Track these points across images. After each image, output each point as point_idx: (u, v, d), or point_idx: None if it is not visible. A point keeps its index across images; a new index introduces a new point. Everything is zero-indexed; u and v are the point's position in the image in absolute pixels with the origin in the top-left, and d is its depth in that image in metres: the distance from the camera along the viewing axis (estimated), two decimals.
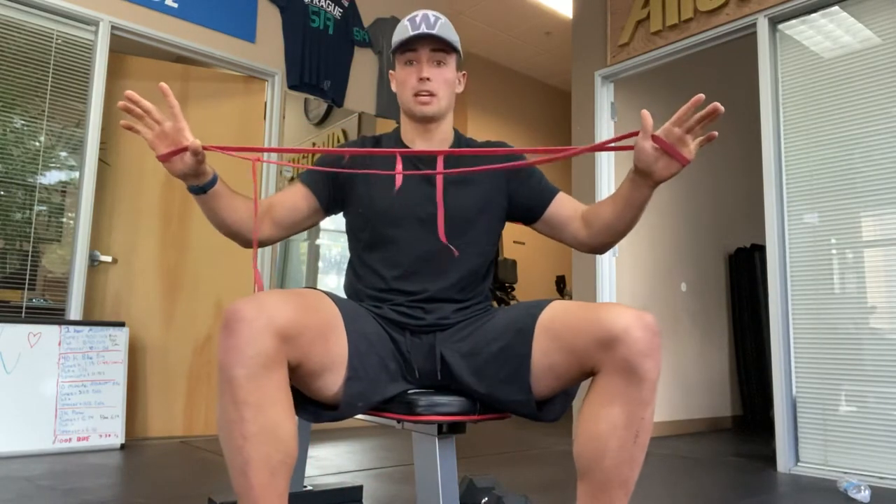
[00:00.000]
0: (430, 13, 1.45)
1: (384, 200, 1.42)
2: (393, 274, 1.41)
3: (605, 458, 1.11)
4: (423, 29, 1.41)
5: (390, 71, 1.54)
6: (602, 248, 1.46)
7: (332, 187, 1.48)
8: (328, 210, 1.50)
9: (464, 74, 1.53)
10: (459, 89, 1.52)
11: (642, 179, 1.26)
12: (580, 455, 1.15)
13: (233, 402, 1.02)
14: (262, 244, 1.46)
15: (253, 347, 1.02)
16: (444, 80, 1.45)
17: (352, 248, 1.53)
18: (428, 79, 1.42)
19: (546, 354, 1.20)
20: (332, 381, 1.18)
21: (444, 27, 1.43)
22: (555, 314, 1.22)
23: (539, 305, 1.27)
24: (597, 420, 1.13)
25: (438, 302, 1.39)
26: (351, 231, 1.52)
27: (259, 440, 1.02)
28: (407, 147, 1.51)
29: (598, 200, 1.38)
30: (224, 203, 1.37)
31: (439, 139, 1.50)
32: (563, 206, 1.50)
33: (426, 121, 1.47)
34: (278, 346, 1.05)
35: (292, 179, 4.19)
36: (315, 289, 1.30)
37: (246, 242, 1.43)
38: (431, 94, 1.43)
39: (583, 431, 1.15)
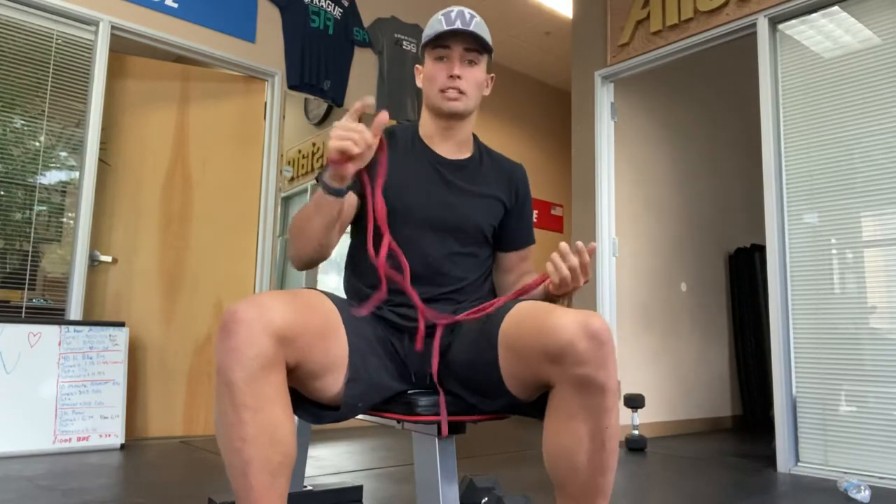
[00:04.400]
0: (466, 10, 1.41)
1: (399, 200, 1.39)
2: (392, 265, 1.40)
3: (576, 474, 1.10)
4: (459, 25, 1.37)
5: (417, 66, 1.51)
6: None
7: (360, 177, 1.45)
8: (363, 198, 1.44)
9: (492, 77, 1.50)
10: (486, 92, 1.49)
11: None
12: (551, 470, 1.13)
13: (231, 404, 1.02)
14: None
15: (251, 349, 1.01)
16: (475, 80, 1.42)
17: (353, 242, 1.51)
18: (459, 77, 1.40)
19: (508, 363, 1.17)
20: (332, 383, 1.18)
21: (479, 26, 1.40)
22: (514, 320, 1.19)
23: (505, 308, 1.24)
24: (561, 436, 1.11)
25: (438, 302, 1.39)
26: (355, 224, 1.48)
27: (258, 442, 1.02)
28: (425, 144, 1.47)
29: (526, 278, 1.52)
30: (339, 213, 1.28)
31: (458, 140, 1.48)
32: (520, 259, 1.55)
33: (451, 118, 1.44)
34: (276, 348, 1.04)
35: (292, 180, 4.19)
36: (314, 289, 1.29)
37: (322, 259, 1.36)
38: (461, 92, 1.40)
39: (550, 447, 1.13)
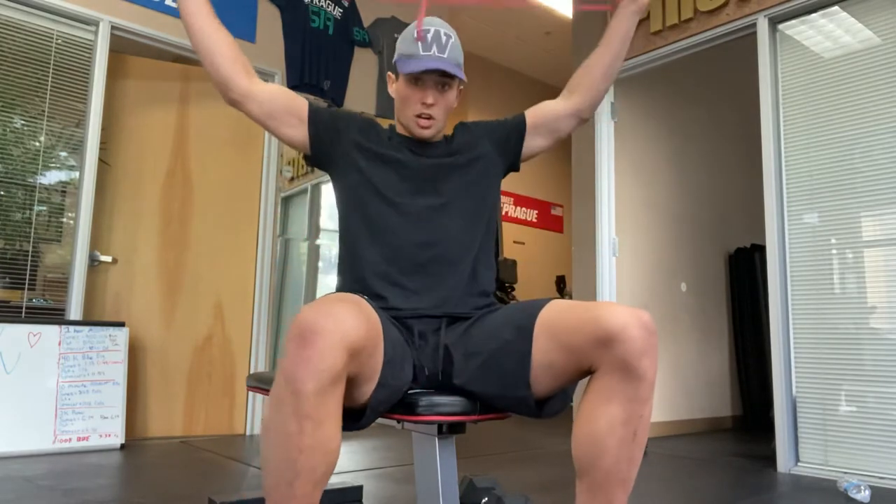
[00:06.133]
0: (442, 31, 1.43)
1: (383, 180, 1.44)
2: (394, 255, 1.42)
3: (604, 457, 1.12)
4: (435, 52, 1.40)
5: (389, 73, 1.53)
6: (599, 97, 1.61)
7: (332, 135, 1.47)
8: (312, 144, 1.48)
9: (461, 89, 1.54)
10: (455, 105, 1.53)
11: (632, 8, 1.54)
12: (579, 454, 1.15)
13: (295, 414, 1.01)
14: (235, 104, 1.48)
15: (325, 361, 1.00)
16: (447, 105, 1.48)
17: (347, 230, 1.50)
18: (433, 104, 1.44)
19: (545, 353, 1.20)
20: (369, 390, 1.18)
21: (454, 49, 1.43)
22: (554, 313, 1.23)
23: (539, 304, 1.28)
24: (595, 419, 1.13)
25: (444, 291, 1.40)
26: (347, 208, 1.50)
27: (312, 453, 1.02)
28: (401, 135, 1.53)
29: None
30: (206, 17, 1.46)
31: (433, 142, 1.54)
32: (540, 108, 1.61)
33: (422, 138, 1.50)
34: (347, 361, 1.04)
35: (292, 180, 4.19)
36: (357, 295, 1.26)
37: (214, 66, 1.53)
38: (433, 118, 1.46)
39: (581, 430, 1.15)
